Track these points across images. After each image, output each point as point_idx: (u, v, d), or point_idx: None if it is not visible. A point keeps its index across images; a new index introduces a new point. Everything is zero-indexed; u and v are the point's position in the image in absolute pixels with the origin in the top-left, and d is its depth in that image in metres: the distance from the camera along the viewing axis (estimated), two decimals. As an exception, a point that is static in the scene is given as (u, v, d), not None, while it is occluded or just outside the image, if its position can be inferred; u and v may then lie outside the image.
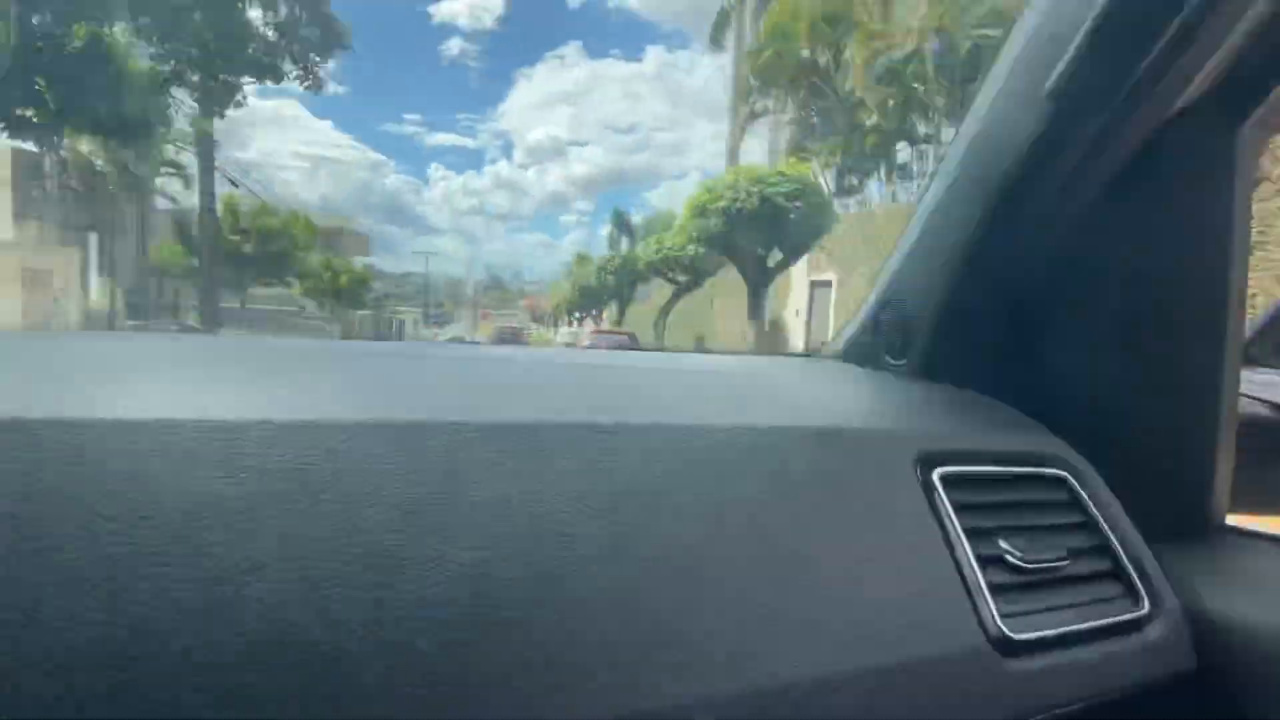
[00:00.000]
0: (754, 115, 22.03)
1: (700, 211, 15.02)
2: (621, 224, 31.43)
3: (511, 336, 25.18)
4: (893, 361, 0.81)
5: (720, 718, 0.40)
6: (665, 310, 20.53)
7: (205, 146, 19.86)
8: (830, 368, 0.91)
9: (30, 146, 15.82)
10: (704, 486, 0.48)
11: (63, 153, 16.24)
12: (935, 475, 0.56)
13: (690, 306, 21.84)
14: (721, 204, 14.43)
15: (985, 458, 0.60)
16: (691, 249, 16.57)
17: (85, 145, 16.24)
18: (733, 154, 24.72)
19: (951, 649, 0.49)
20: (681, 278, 18.72)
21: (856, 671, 0.45)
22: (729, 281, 18.76)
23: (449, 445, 0.42)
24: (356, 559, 0.36)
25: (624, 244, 30.06)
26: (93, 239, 17.97)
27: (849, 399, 0.74)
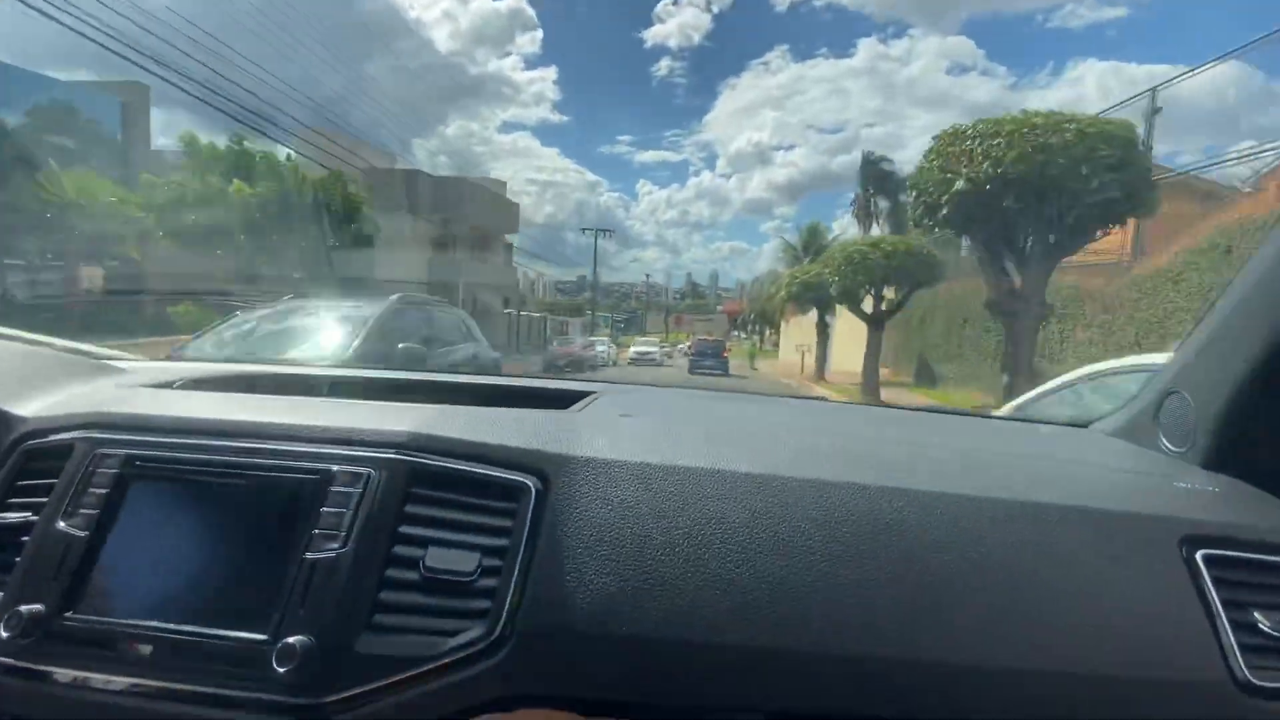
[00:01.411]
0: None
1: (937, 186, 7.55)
2: (809, 238, 30.13)
3: (712, 350, 24.32)
4: (1172, 447, 0.86)
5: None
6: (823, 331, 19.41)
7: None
8: (1107, 444, 0.97)
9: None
10: (989, 556, 0.64)
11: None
12: (1199, 556, 0.64)
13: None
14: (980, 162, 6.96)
15: (1254, 545, 0.65)
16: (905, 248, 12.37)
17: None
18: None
19: (1195, 682, 0.59)
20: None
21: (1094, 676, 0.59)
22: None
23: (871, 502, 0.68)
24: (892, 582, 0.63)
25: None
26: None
27: (1127, 480, 0.82)
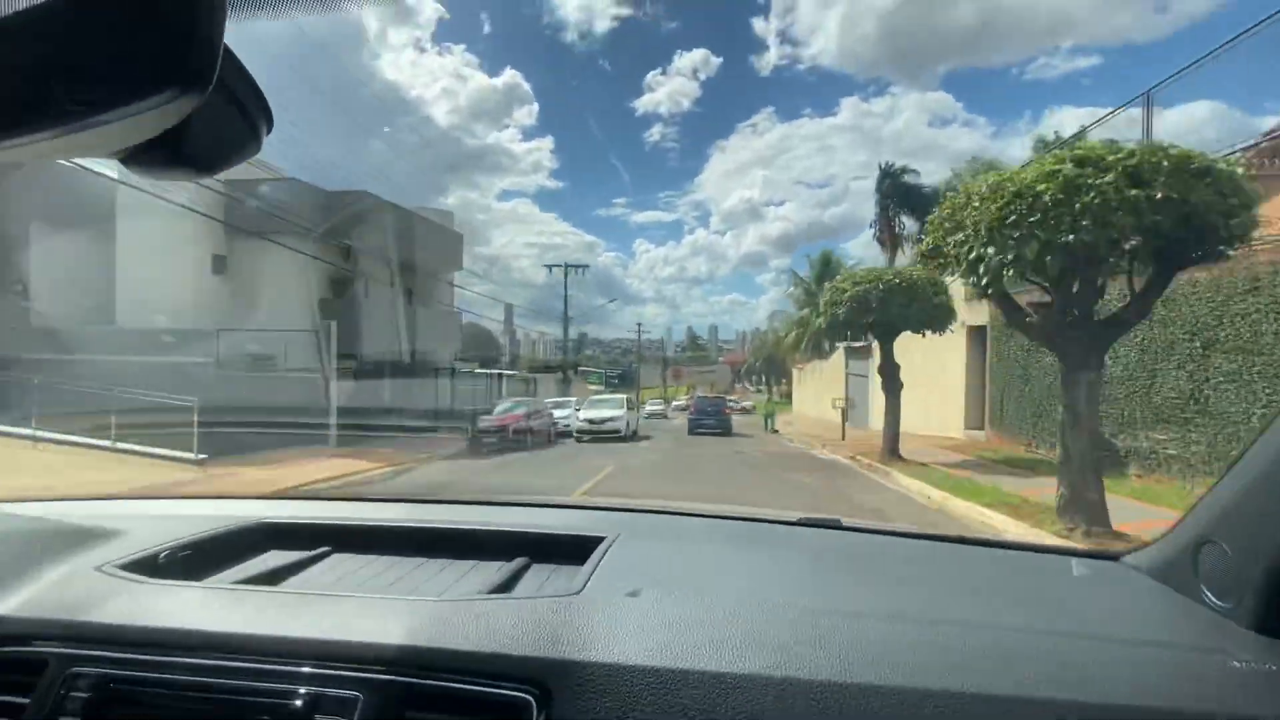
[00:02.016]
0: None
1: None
2: (823, 268, 26.10)
3: (712, 409, 20.35)
4: (1216, 601, 0.79)
5: None
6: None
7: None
8: (1144, 591, 0.91)
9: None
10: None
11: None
12: None
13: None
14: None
15: None
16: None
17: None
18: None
19: None
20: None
21: None
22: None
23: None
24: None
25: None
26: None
27: (1181, 661, 0.73)
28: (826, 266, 25.80)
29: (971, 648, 0.73)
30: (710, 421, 19.74)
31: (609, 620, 0.77)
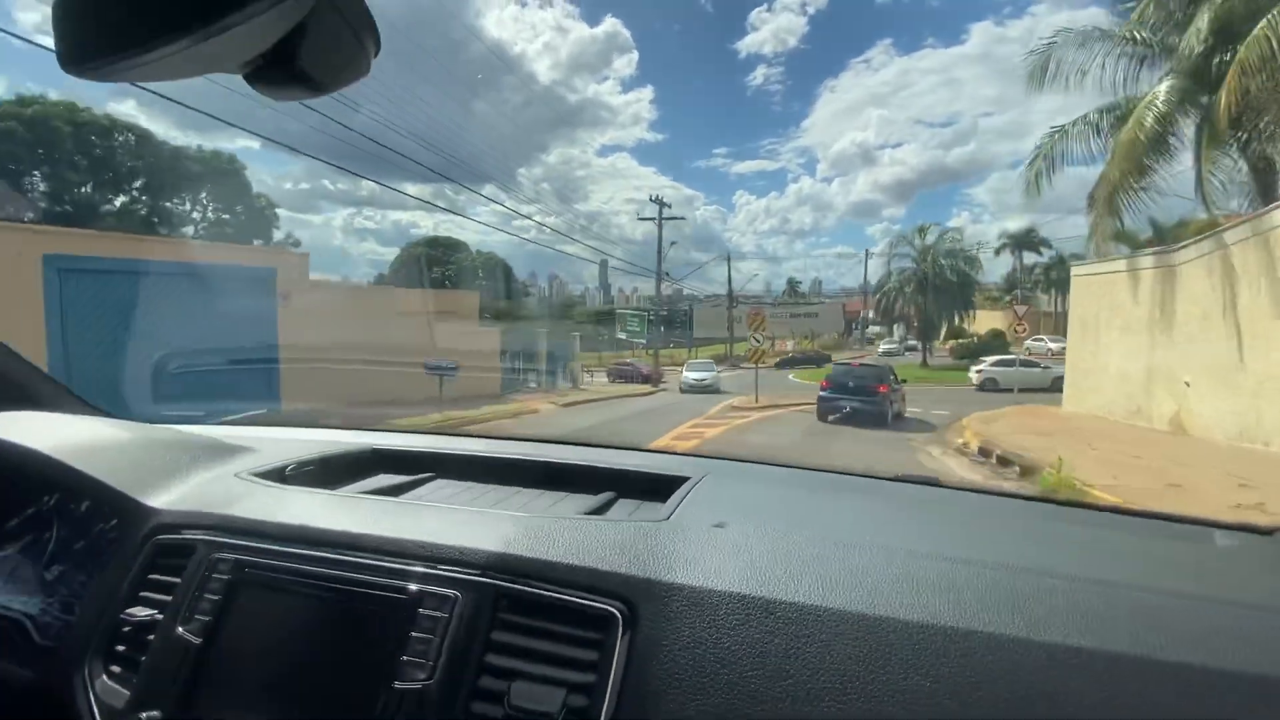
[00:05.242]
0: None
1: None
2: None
3: (857, 383, 11.92)
4: None
5: None
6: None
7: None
8: None
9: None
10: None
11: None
12: None
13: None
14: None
15: None
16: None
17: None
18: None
19: None
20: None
21: None
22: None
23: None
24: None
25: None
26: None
27: None
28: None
29: (1109, 606, 0.65)
30: (855, 404, 11.57)
31: (696, 547, 0.78)
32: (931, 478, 1.23)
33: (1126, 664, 0.57)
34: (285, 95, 0.45)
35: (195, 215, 24.97)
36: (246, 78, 0.44)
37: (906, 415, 12.65)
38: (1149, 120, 9.23)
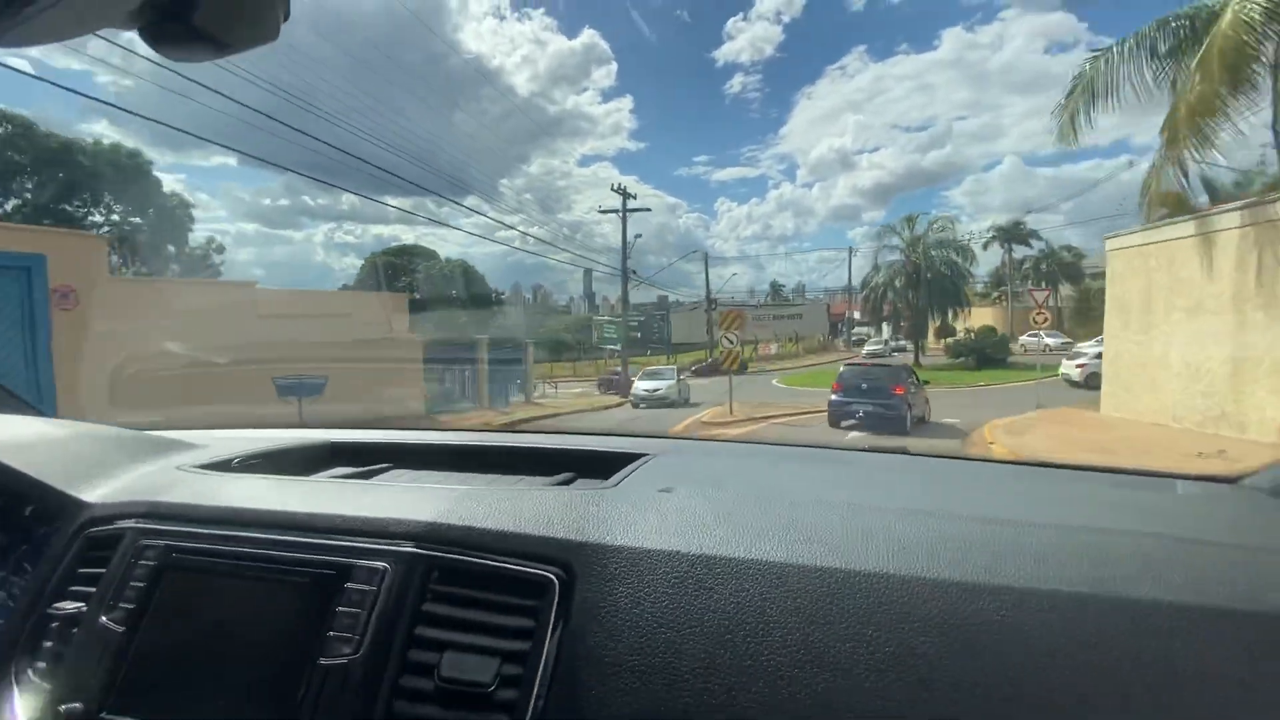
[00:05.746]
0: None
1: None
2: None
3: (871, 384, 10.61)
4: None
5: None
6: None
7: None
8: (1269, 506, 0.86)
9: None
10: (1129, 674, 0.53)
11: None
12: None
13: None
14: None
15: None
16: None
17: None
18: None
19: None
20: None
21: None
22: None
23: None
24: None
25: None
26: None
27: None
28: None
29: (1059, 548, 0.66)
30: (869, 407, 10.18)
31: (637, 510, 0.77)
32: (900, 448, 1.26)
33: (1077, 601, 0.58)
34: (187, 55, 0.41)
35: (97, 218, 21.98)
36: (143, 35, 0.39)
37: (929, 420, 11.43)
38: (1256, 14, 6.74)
